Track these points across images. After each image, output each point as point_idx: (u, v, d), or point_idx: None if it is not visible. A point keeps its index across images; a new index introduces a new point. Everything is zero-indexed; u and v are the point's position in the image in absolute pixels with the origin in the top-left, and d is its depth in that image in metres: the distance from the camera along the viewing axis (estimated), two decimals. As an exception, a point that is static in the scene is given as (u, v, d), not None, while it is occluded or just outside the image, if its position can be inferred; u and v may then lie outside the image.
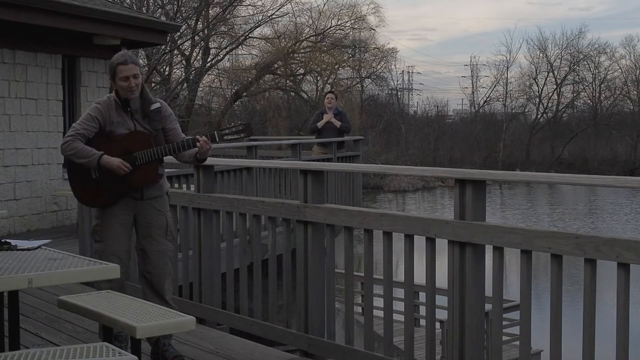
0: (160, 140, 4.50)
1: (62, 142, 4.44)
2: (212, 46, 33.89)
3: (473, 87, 57.07)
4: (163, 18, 26.04)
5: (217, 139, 4.45)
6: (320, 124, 12.12)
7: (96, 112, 4.47)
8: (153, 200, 4.57)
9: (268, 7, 35.21)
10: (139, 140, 4.43)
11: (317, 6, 47.63)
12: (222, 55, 34.65)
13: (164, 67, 30.26)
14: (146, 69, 25.18)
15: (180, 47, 30.96)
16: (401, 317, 5.98)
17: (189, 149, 4.47)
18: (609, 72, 55.17)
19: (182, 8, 29.23)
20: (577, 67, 54.62)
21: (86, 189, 4.57)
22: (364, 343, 4.75)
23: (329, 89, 37.38)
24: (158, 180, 4.56)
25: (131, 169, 4.40)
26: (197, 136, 4.44)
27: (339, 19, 40.28)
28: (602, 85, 55.17)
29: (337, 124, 12.16)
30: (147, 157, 4.41)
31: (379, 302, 6.01)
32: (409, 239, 4.42)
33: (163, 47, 24.58)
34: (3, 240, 3.79)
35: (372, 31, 42.10)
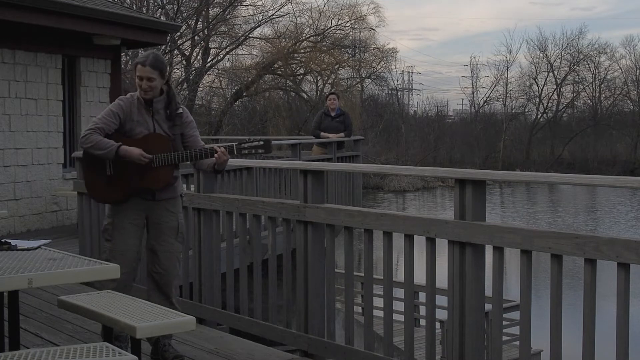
0: (177, 146, 4.52)
1: (82, 135, 4.45)
2: (212, 46, 33.90)
3: (473, 87, 57.16)
4: (163, 18, 26.05)
5: (235, 152, 4.46)
6: (323, 134, 12.16)
7: (118, 108, 4.48)
8: (165, 201, 4.57)
9: (268, 7, 35.27)
10: (157, 143, 4.44)
11: (317, 6, 47.62)
12: (222, 55, 34.67)
13: (164, 67, 30.20)
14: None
15: (180, 47, 30.97)
16: (401, 317, 5.98)
17: (206, 159, 4.48)
18: (609, 72, 55.26)
19: (182, 8, 29.24)
20: (577, 67, 54.65)
21: (100, 185, 4.57)
22: (364, 343, 4.75)
23: (329, 89, 37.40)
24: (173, 183, 4.57)
25: (149, 159, 4.38)
26: (216, 147, 4.44)
27: (339, 19, 40.29)
28: (602, 85, 55.21)
29: (342, 139, 12.27)
30: (164, 161, 4.42)
31: (379, 302, 6.01)
32: (409, 239, 4.42)
33: (163, 47, 24.56)
34: (3, 240, 3.79)
35: (372, 31, 42.12)
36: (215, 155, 4.42)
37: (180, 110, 4.55)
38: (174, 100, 4.53)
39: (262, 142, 4.50)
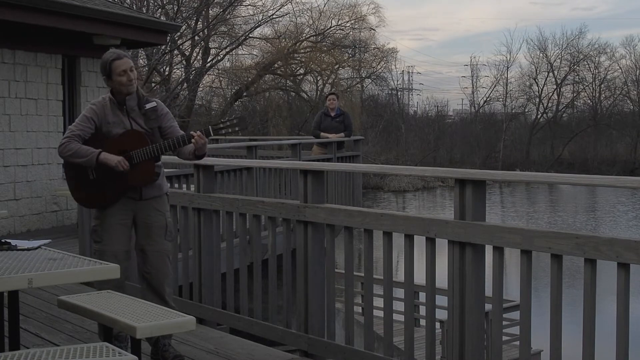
0: (157, 140, 4.49)
1: (59, 145, 4.44)
2: (212, 46, 33.89)
3: (473, 87, 57.16)
4: (163, 18, 26.04)
5: (212, 133, 4.45)
6: (323, 135, 12.18)
7: (91, 112, 4.48)
8: (152, 200, 4.56)
9: (268, 7, 35.26)
10: (134, 139, 4.42)
11: (318, 6, 47.59)
12: (222, 55, 34.66)
13: (164, 67, 30.25)
14: (146, 69, 25.17)
15: (180, 47, 30.95)
16: (401, 317, 5.98)
17: (184, 145, 4.46)
18: (609, 72, 55.27)
19: (182, 8, 29.21)
20: (577, 67, 54.67)
21: (84, 191, 4.55)
22: (364, 343, 4.75)
23: (329, 89, 37.42)
24: (155, 179, 4.55)
25: (129, 167, 4.39)
26: (192, 132, 4.43)
27: (339, 19, 40.31)
28: (602, 85, 55.21)
29: (342, 139, 12.30)
30: (143, 156, 4.40)
31: (379, 302, 6.01)
32: (409, 239, 4.42)
33: (163, 47, 24.56)
34: (3, 240, 3.79)
35: (372, 31, 42.14)
36: (193, 140, 4.39)
37: (154, 104, 4.53)
38: (143, 96, 4.52)
39: (236, 120, 4.50)
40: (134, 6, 26.26)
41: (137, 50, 20.17)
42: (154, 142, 4.46)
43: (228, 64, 37.41)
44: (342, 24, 40.28)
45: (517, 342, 5.70)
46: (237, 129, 4.50)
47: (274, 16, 35.17)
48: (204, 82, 34.96)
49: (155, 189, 4.57)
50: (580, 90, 55.20)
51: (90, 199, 4.60)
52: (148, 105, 4.50)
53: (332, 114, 12.25)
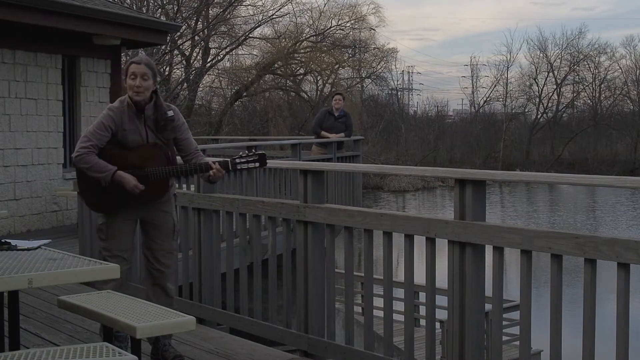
0: (172, 151, 4.52)
1: (76, 154, 4.39)
2: (212, 46, 33.88)
3: (473, 87, 57.18)
4: (163, 18, 26.04)
5: (230, 168, 4.46)
6: (323, 134, 12.19)
7: (109, 120, 4.42)
8: (159, 203, 4.58)
9: (268, 7, 35.25)
10: (153, 155, 4.42)
11: (318, 6, 47.58)
12: (222, 55, 34.65)
13: (164, 67, 30.22)
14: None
15: (180, 47, 30.95)
16: (401, 317, 5.98)
17: (200, 173, 4.50)
18: (609, 72, 55.28)
19: (182, 8, 29.22)
20: (577, 67, 54.67)
21: (96, 196, 4.55)
22: (364, 343, 4.75)
23: (329, 89, 37.45)
24: (168, 191, 4.58)
25: (143, 188, 4.39)
26: (211, 162, 4.45)
27: (339, 19, 40.27)
28: (602, 85, 55.21)
29: (342, 139, 12.32)
30: (159, 176, 4.42)
31: (379, 302, 6.01)
32: (409, 239, 4.42)
33: (163, 47, 24.56)
34: (3, 240, 3.79)
35: (372, 31, 42.12)
36: (212, 172, 4.44)
37: (171, 113, 4.49)
38: (162, 107, 4.48)
39: (257, 157, 4.49)
40: (134, 6, 26.26)
41: (137, 50, 20.16)
42: (170, 153, 4.49)
43: (228, 64, 37.42)
44: (342, 24, 40.26)
45: (517, 342, 5.70)
46: (257, 165, 4.49)
47: (274, 16, 35.20)
48: (204, 82, 34.95)
49: (164, 195, 4.59)
50: (580, 90, 55.24)
51: (101, 205, 4.59)
52: (165, 115, 4.50)
53: (336, 114, 12.27)
